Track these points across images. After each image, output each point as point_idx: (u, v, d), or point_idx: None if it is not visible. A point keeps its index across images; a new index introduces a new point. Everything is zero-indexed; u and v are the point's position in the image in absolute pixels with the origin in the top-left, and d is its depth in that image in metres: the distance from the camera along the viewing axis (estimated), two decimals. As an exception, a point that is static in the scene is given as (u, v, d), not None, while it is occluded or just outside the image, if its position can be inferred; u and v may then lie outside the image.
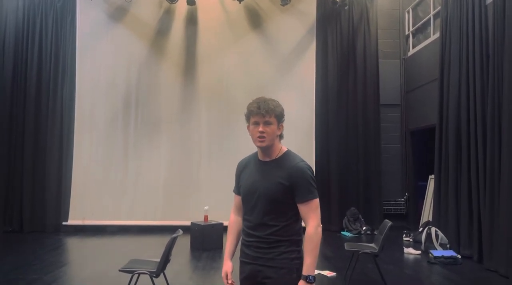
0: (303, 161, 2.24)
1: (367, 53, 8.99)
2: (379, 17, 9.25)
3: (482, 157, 5.96)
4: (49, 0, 8.66)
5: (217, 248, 6.81)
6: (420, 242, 6.91)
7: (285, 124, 2.27)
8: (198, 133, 8.84)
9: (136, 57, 8.83)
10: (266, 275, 2.18)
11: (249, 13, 9.00)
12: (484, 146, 5.94)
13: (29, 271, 5.45)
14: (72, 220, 8.39)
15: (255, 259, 2.22)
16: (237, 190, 2.39)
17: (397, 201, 9.21)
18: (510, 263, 5.22)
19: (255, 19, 9.03)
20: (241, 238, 2.34)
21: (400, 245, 7.13)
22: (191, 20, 8.95)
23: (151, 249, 6.43)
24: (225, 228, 6.65)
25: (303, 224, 2.24)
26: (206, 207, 7.21)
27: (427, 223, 7.38)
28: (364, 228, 8.39)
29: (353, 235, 8.19)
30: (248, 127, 2.25)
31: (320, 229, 2.17)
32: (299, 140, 8.47)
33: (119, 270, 4.02)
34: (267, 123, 2.17)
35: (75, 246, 7.50)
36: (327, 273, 5.42)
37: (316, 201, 2.19)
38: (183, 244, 6.83)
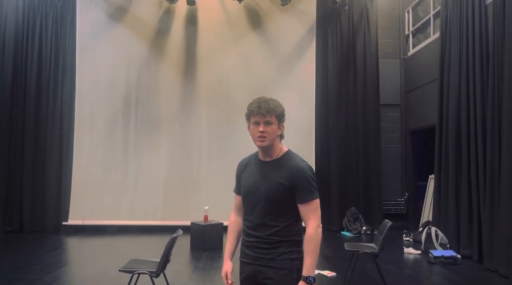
0: (303, 161, 2.23)
1: (367, 53, 8.99)
2: (379, 17, 9.25)
3: (482, 157, 5.96)
4: (49, 0, 8.66)
5: (217, 248, 6.81)
6: (420, 242, 6.91)
7: (285, 124, 2.27)
8: (198, 133, 8.84)
9: (136, 57, 8.84)
10: (266, 275, 2.18)
11: (249, 13, 9.00)
12: (484, 146, 5.94)
13: (29, 271, 5.45)
14: (72, 220, 8.39)
15: (255, 259, 2.21)
16: (238, 190, 2.38)
17: (397, 201, 9.22)
18: (510, 263, 5.22)
19: (255, 19, 9.03)
20: (241, 238, 2.34)
21: (400, 245, 7.13)
22: (191, 20, 8.95)
23: (151, 249, 6.43)
24: (225, 228, 6.64)
25: (303, 224, 2.24)
26: (206, 207, 7.21)
27: (427, 223, 7.38)
28: (364, 228, 8.39)
29: (353, 235, 8.19)
30: (248, 127, 2.25)
31: (320, 229, 2.17)
32: (299, 140, 8.48)
33: (119, 270, 4.02)
34: (267, 123, 2.17)
35: (75, 246, 7.50)
36: (327, 273, 5.42)
37: (317, 201, 2.18)
38: (183, 244, 6.83)
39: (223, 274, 2.32)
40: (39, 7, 8.62)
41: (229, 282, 2.29)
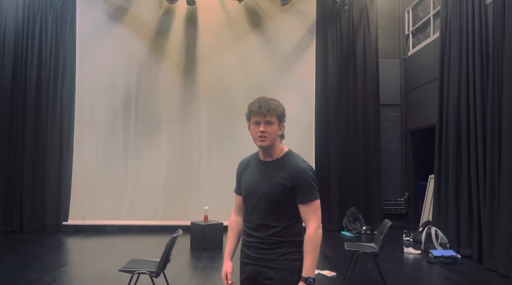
0: (304, 161, 2.22)
1: (367, 53, 8.99)
2: (379, 17, 9.25)
3: (482, 156, 5.96)
4: (49, 0, 8.66)
5: (217, 248, 6.81)
6: (420, 242, 6.91)
7: (285, 124, 2.26)
8: (198, 133, 8.84)
9: (136, 57, 8.83)
10: (267, 276, 2.17)
11: (249, 13, 9.00)
12: (484, 145, 5.94)
13: (29, 271, 5.45)
14: (72, 220, 8.39)
15: (256, 260, 2.21)
16: (238, 190, 2.37)
17: (397, 201, 9.22)
18: (510, 262, 5.22)
19: (255, 19, 9.03)
20: (241, 238, 2.33)
21: (400, 245, 7.13)
22: (191, 20, 8.95)
23: (151, 249, 6.42)
24: (225, 228, 6.64)
25: (304, 225, 2.23)
26: (206, 207, 7.21)
27: (427, 223, 7.38)
28: (364, 228, 8.39)
29: (353, 235, 8.19)
30: (249, 126, 2.24)
31: (320, 230, 2.16)
32: (299, 140, 8.48)
33: (119, 270, 4.02)
34: (268, 123, 2.16)
35: (75, 246, 7.50)
36: (327, 273, 5.42)
37: (317, 202, 2.17)
38: (183, 244, 6.83)
39: (223, 274, 2.31)
40: (39, 7, 8.62)
41: (229, 282, 2.28)
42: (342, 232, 8.40)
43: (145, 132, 8.76)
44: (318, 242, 2.14)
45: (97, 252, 6.98)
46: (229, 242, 2.39)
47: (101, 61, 8.78)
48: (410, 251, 6.75)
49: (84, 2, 8.68)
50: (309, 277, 2.09)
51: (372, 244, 5.22)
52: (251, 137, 2.23)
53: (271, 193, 2.16)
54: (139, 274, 4.03)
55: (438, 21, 7.81)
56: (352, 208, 8.55)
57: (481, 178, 5.96)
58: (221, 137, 8.78)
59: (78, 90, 8.65)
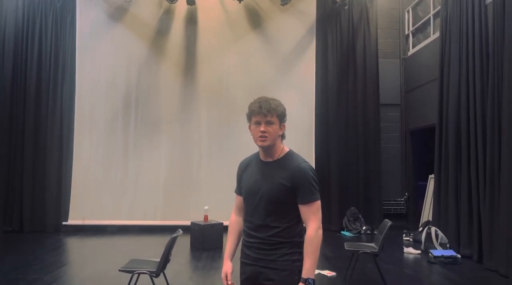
0: (305, 162, 2.21)
1: (367, 52, 8.99)
2: (379, 17, 9.25)
3: (482, 156, 5.96)
4: (48, 0, 8.66)
5: (217, 248, 6.81)
6: (420, 242, 6.91)
7: (285, 124, 2.25)
8: (198, 133, 8.84)
9: (136, 57, 8.83)
10: (267, 277, 2.16)
11: (249, 13, 9.00)
12: (484, 145, 5.94)
13: (29, 271, 5.45)
14: (72, 220, 8.39)
15: (256, 260, 2.20)
16: (239, 191, 2.36)
17: (397, 200, 9.22)
18: (510, 262, 5.22)
19: (255, 19, 9.03)
20: (241, 238, 2.32)
21: (400, 245, 7.13)
22: (191, 20, 8.94)
23: (151, 249, 6.42)
24: (225, 228, 6.65)
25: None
26: (206, 207, 7.21)
27: (427, 223, 7.38)
28: (364, 227, 8.39)
29: (353, 235, 8.19)
30: (249, 127, 2.23)
31: (320, 231, 2.14)
32: (299, 140, 8.47)
33: (119, 270, 4.02)
34: (268, 123, 2.15)
35: (75, 246, 7.50)
36: (327, 272, 5.42)
37: (318, 203, 2.16)
38: (183, 244, 6.83)
39: (223, 275, 2.30)
40: (38, 7, 8.62)
41: (229, 283, 2.27)
42: (342, 232, 8.40)
43: (145, 132, 8.76)
44: (318, 243, 2.13)
45: (97, 252, 6.98)
46: (229, 243, 2.38)
47: (101, 61, 8.78)
48: (410, 251, 6.75)
49: (84, 2, 8.68)
50: (308, 278, 2.08)
51: (372, 244, 5.22)
52: (251, 137, 2.22)
53: (272, 194, 2.15)
54: (139, 274, 4.03)
55: (438, 21, 7.81)
56: (352, 208, 8.55)
57: (481, 178, 5.96)
58: (221, 137, 8.78)
59: (78, 90, 8.65)
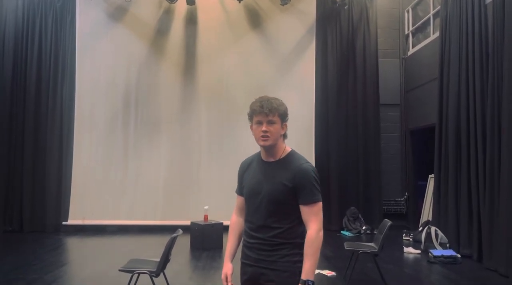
0: (307, 162, 2.20)
1: (367, 52, 8.99)
2: (379, 17, 9.25)
3: (482, 156, 5.96)
4: (48, 0, 8.66)
5: (217, 248, 6.82)
6: (420, 242, 6.91)
7: (287, 123, 2.23)
8: (198, 133, 8.84)
9: (136, 57, 8.83)
10: (268, 278, 2.14)
11: (249, 13, 9.00)
12: (484, 145, 5.94)
13: (29, 271, 5.46)
14: (72, 220, 8.39)
15: (257, 261, 2.18)
16: (240, 191, 2.34)
17: (397, 200, 9.22)
18: (509, 262, 5.22)
19: (255, 19, 9.03)
20: (242, 239, 2.30)
21: (400, 245, 7.14)
22: (191, 20, 8.94)
23: (151, 249, 6.43)
24: (225, 228, 6.65)
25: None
26: (206, 207, 7.21)
27: (427, 223, 7.39)
28: (364, 227, 8.39)
29: (353, 235, 8.19)
30: (251, 126, 2.21)
31: (321, 233, 2.11)
32: (299, 140, 8.47)
33: (119, 270, 4.02)
34: (270, 122, 2.14)
35: (75, 246, 7.50)
36: (327, 272, 5.42)
37: (319, 204, 2.14)
38: (183, 243, 6.83)
39: (223, 276, 2.27)
40: (38, 7, 8.62)
41: (229, 284, 2.24)
42: (342, 231, 8.41)
43: (145, 132, 8.76)
44: (319, 245, 2.10)
45: (97, 252, 6.98)
46: (230, 244, 2.35)
47: (101, 61, 8.78)
48: (410, 251, 6.75)
49: (84, 2, 8.68)
50: (308, 280, 2.05)
51: (372, 244, 5.22)
52: (251, 136, 2.20)
53: (273, 194, 2.13)
54: (139, 274, 4.03)
55: (438, 20, 7.81)
56: (352, 207, 8.55)
57: (481, 178, 5.96)
58: (221, 137, 8.79)
59: (78, 89, 8.65)
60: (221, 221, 7.05)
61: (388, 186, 9.16)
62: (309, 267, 2.07)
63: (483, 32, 6.16)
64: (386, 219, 5.19)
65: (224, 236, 6.90)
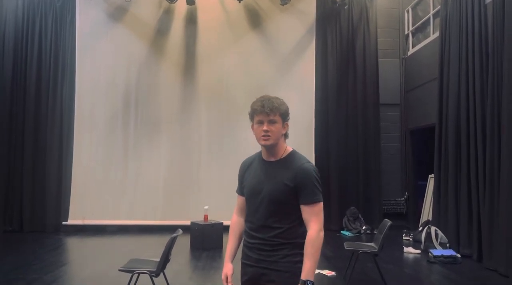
0: (309, 162, 2.19)
1: (367, 52, 8.99)
2: (379, 17, 9.25)
3: (482, 156, 5.96)
4: (48, 0, 8.66)
5: (217, 248, 6.82)
6: (420, 241, 6.91)
7: (288, 122, 2.23)
8: (198, 133, 8.84)
9: (136, 57, 8.83)
10: (269, 278, 2.14)
11: (249, 13, 9.00)
12: (484, 145, 5.95)
13: (29, 271, 5.46)
14: (72, 220, 8.39)
15: (257, 261, 2.17)
16: (240, 191, 2.34)
17: (396, 200, 9.22)
18: (509, 262, 5.23)
19: (255, 19, 9.03)
20: (243, 239, 2.29)
21: (400, 245, 7.14)
22: (191, 20, 8.94)
23: (151, 249, 6.43)
24: (225, 228, 6.65)
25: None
26: (206, 207, 7.21)
27: (427, 223, 7.39)
28: (363, 227, 8.39)
29: (353, 235, 8.19)
30: (252, 126, 2.21)
31: (322, 233, 2.10)
32: (299, 140, 8.45)
33: (119, 270, 4.02)
34: (271, 122, 2.13)
35: (75, 246, 7.50)
36: (327, 272, 5.43)
37: (320, 204, 2.13)
38: (183, 243, 6.83)
39: (223, 277, 2.26)
40: (38, 7, 8.62)
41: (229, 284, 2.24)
42: (342, 231, 8.40)
43: (145, 132, 8.76)
44: (319, 245, 2.09)
45: (97, 252, 6.98)
46: (230, 244, 2.34)
47: (101, 61, 8.78)
48: (410, 251, 6.75)
49: (84, 2, 8.68)
50: (308, 280, 2.04)
51: (372, 244, 5.22)
52: (250, 136, 2.21)
53: (274, 194, 2.13)
54: (139, 274, 4.04)
55: (437, 20, 7.81)
56: (352, 207, 8.55)
57: (481, 178, 5.97)
58: (221, 137, 8.79)
59: (78, 89, 8.65)
60: (221, 221, 7.05)
61: (388, 186, 9.16)
62: (309, 267, 2.06)
63: (483, 32, 6.16)
64: (386, 219, 5.19)
65: (224, 236, 6.90)
